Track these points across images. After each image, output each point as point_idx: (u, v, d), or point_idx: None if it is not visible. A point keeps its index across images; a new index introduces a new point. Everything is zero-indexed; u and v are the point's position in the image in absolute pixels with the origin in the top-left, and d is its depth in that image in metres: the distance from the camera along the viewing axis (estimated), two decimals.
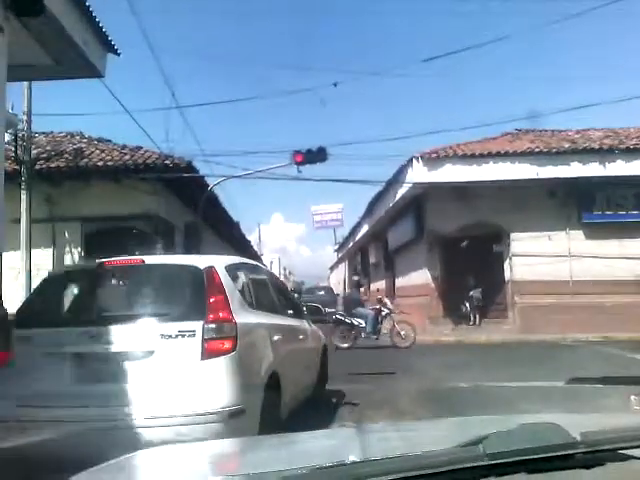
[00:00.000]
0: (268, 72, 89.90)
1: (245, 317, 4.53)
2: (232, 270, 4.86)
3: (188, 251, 18.96)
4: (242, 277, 5.07)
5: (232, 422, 3.93)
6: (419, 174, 16.82)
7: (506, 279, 18.12)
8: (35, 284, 15.84)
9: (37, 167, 16.13)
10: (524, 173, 16.55)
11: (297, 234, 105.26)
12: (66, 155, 16.91)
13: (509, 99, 76.42)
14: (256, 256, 43.76)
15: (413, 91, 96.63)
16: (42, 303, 4.83)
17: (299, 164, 17.13)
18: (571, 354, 12.80)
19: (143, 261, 4.77)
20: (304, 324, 6.76)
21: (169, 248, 18.00)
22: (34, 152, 16.85)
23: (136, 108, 17.56)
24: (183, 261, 5.00)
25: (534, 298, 17.02)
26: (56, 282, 5.10)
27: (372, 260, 31.14)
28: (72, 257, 16.92)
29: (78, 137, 18.78)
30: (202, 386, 4.00)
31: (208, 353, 4.05)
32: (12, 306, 14.32)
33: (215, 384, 4.02)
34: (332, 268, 58.10)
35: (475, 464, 1.16)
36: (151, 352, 4.07)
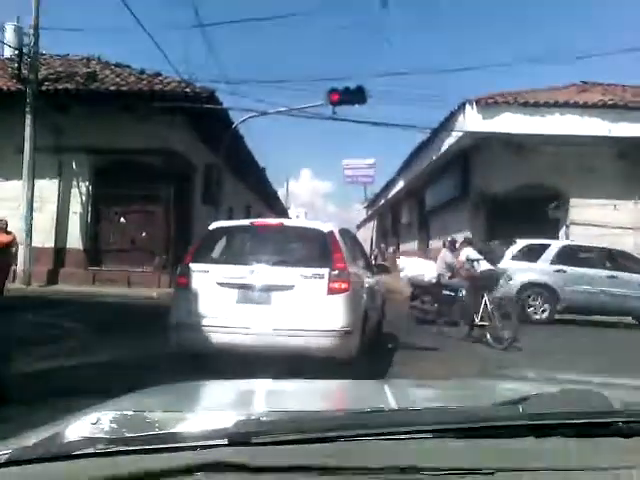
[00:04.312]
0: None
1: (352, 268, 6.16)
2: (341, 233, 6.58)
3: (207, 195, 17.32)
4: (345, 239, 6.69)
5: (345, 337, 5.67)
6: (472, 122, 14.66)
7: None
8: (38, 217, 14.71)
9: (43, 89, 14.51)
10: (594, 129, 14.35)
11: (325, 191, 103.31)
12: (77, 78, 15.17)
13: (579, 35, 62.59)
14: (282, 209, 42.18)
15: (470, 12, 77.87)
16: (211, 246, 6.46)
17: (335, 104, 15.13)
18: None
19: (282, 223, 6.88)
20: (375, 277, 8.06)
21: (187, 189, 16.42)
22: (43, 73, 15.19)
23: (154, 25, 15.48)
24: (310, 225, 7.02)
25: None
26: (219, 232, 6.73)
27: (404, 220, 29.22)
28: (79, 191, 15.40)
29: (95, 61, 16.98)
30: (327, 312, 5.65)
31: (332, 291, 5.68)
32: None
33: (336, 312, 5.67)
34: (359, 226, 56.29)
35: (513, 423, 1.16)
36: (292, 286, 5.73)
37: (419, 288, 11.37)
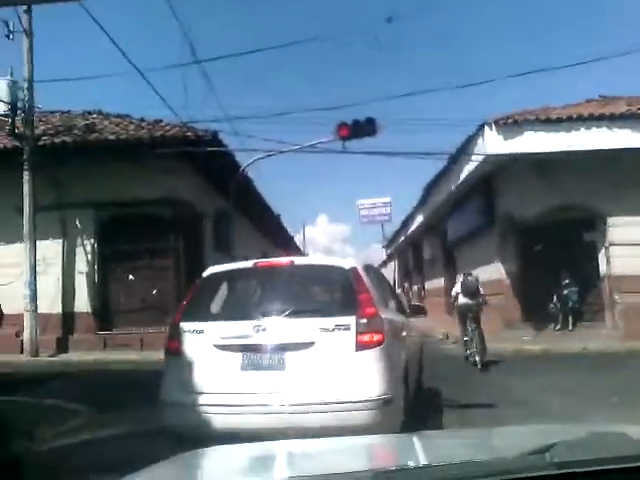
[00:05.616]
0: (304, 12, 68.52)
1: (384, 313, 4.91)
2: (366, 270, 5.29)
3: (219, 243, 16.52)
4: (372, 277, 5.39)
5: (384, 409, 4.39)
6: (493, 144, 13.70)
7: (601, 274, 14.86)
8: (43, 281, 13.87)
9: (41, 144, 13.93)
10: (625, 141, 13.29)
11: (342, 234, 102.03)
12: (76, 130, 14.63)
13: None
14: (300, 255, 41.36)
15: (488, 28, 67.19)
16: (208, 299, 5.23)
17: (345, 138, 14.38)
18: None
19: (293, 262, 5.41)
20: (410, 321, 6.88)
21: (197, 239, 15.61)
22: (41, 128, 14.69)
23: (154, 74, 14.90)
24: (328, 261, 5.67)
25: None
26: (216, 280, 5.43)
27: (427, 256, 28.17)
28: (84, 249, 14.61)
29: (94, 115, 16.45)
30: (358, 375, 4.42)
31: (362, 345, 4.49)
32: (14, 307, 12.03)
33: (369, 374, 4.44)
34: (379, 267, 55.29)
35: (541, 473, 1.14)
36: (311, 343, 4.53)
37: None
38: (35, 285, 13.48)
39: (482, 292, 11.51)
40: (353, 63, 76.74)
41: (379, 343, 4.51)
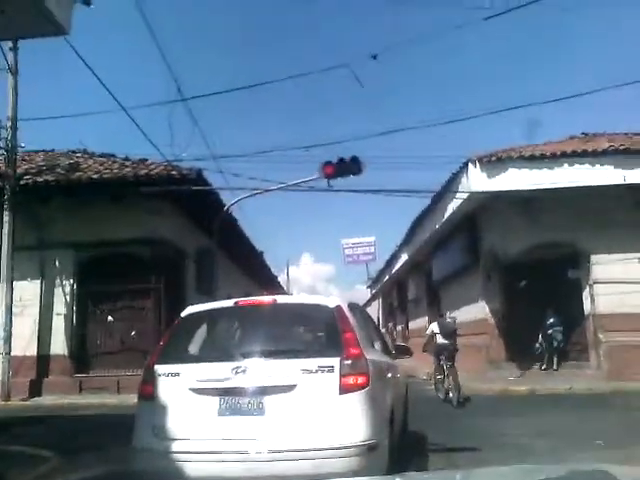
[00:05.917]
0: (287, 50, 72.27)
1: (369, 354, 4.71)
2: (351, 309, 5.11)
3: (202, 283, 16.25)
4: (357, 316, 5.22)
5: (369, 456, 4.15)
6: (476, 182, 13.78)
7: (585, 312, 14.79)
8: (18, 322, 13.48)
9: (23, 183, 13.72)
10: (607, 178, 13.41)
11: (326, 273, 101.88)
12: (59, 170, 14.46)
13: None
14: (285, 294, 40.96)
15: (468, 63, 68.52)
16: (186, 340, 5.05)
17: (330, 177, 14.37)
18: None
19: (275, 300, 5.13)
20: (395, 362, 6.69)
21: (179, 279, 15.36)
22: (24, 168, 14.53)
23: (139, 112, 14.88)
24: (312, 300, 5.47)
25: (624, 335, 13.63)
26: (194, 320, 5.24)
27: (411, 295, 28.05)
28: (63, 290, 14.28)
29: (79, 154, 16.32)
30: (341, 420, 4.19)
31: (346, 388, 4.27)
32: None
33: (353, 418, 4.22)
34: (364, 307, 54.97)
35: None
36: (293, 386, 4.30)
37: None
38: (10, 327, 13.11)
39: (458, 333, 12.31)
40: (336, 101, 78.70)
41: (363, 386, 4.31)
